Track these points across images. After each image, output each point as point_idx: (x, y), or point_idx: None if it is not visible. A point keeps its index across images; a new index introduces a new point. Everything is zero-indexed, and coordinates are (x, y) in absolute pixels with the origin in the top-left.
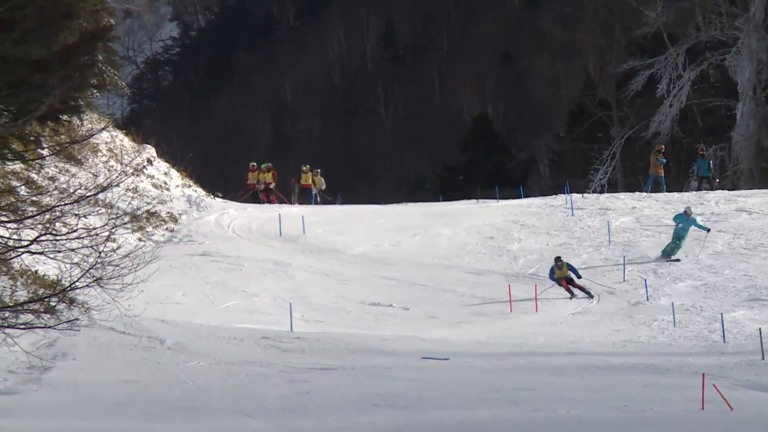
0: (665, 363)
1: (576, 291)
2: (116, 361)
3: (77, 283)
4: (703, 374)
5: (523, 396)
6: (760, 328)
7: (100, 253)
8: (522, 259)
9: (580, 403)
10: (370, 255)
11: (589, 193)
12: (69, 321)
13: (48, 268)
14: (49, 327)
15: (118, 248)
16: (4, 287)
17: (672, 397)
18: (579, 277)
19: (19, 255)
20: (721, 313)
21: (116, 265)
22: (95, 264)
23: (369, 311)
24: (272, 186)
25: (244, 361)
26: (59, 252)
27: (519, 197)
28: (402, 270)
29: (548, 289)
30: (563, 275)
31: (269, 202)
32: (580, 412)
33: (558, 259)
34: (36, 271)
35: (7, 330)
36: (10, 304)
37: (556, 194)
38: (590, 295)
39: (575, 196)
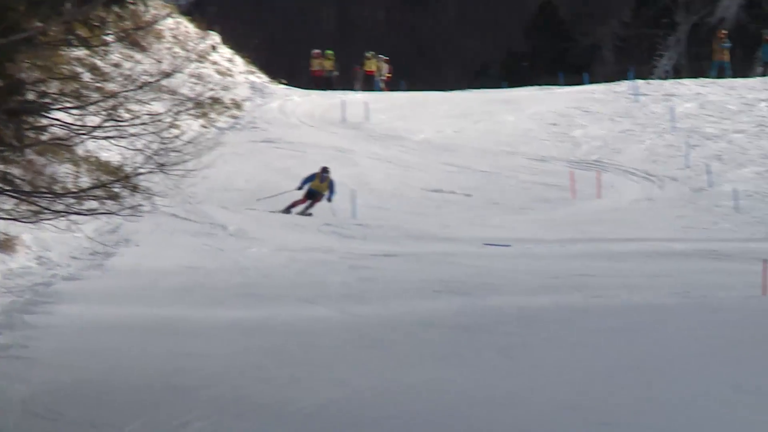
0: (727, 249)
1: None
2: (178, 248)
3: (140, 169)
4: (765, 260)
5: (584, 282)
6: None
7: (163, 139)
8: (585, 146)
9: (642, 289)
10: (433, 141)
11: (653, 79)
12: (132, 207)
13: (111, 154)
14: (112, 213)
15: (181, 135)
16: (68, 173)
17: (733, 283)
18: (330, 199)
19: (83, 141)
20: None
21: (179, 152)
22: (158, 150)
23: (431, 198)
24: (335, 74)
25: (305, 248)
26: (122, 138)
27: (583, 83)
28: (465, 156)
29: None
30: (321, 189)
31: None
32: (641, 298)
33: (325, 169)
34: (99, 158)
35: (71, 216)
36: (74, 190)
37: (620, 80)
38: (287, 212)
39: (639, 82)
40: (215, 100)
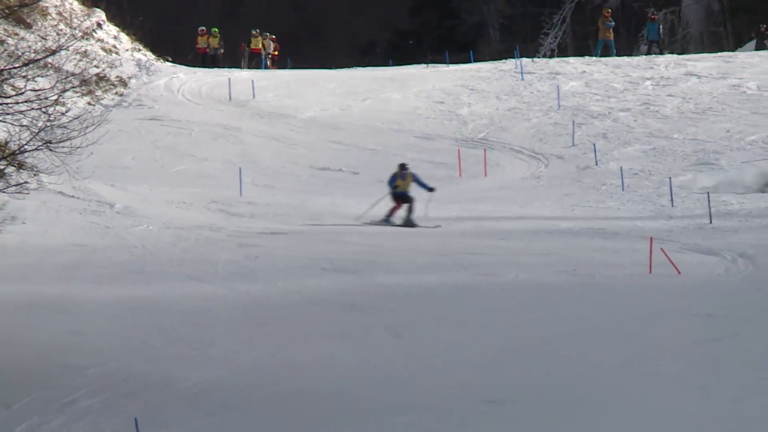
0: (613, 227)
1: (403, 216)
2: (65, 225)
3: (26, 147)
4: (651, 238)
5: (471, 260)
6: (708, 192)
7: (49, 116)
8: (471, 124)
9: (529, 268)
10: (320, 120)
11: (538, 57)
12: (18, 184)
13: None
14: None
15: (67, 112)
16: None
17: (620, 261)
18: (430, 189)
19: None
20: (670, 178)
21: (65, 129)
22: (44, 127)
23: (318, 176)
24: (221, 52)
25: (193, 226)
26: (7, 115)
27: (469, 62)
28: (352, 135)
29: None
30: (406, 188)
31: None
32: (529, 276)
33: (403, 166)
34: None
35: None
36: None
37: (506, 59)
38: (411, 224)
39: (525, 60)
40: (101, 78)
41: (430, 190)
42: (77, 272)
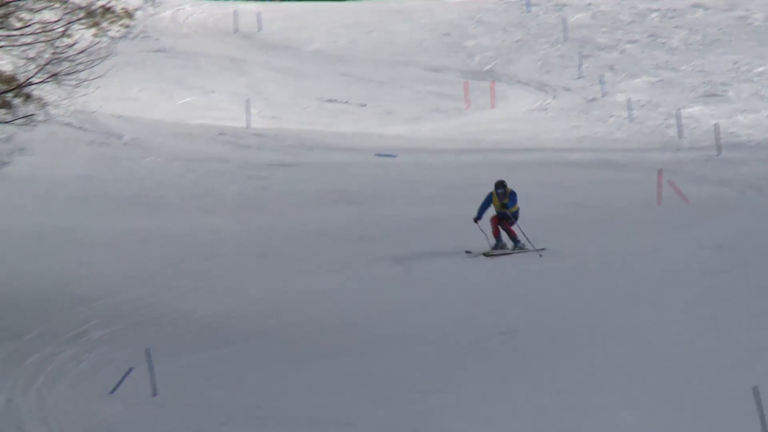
0: (622, 159)
1: (507, 240)
2: (73, 157)
3: (33, 79)
4: (660, 170)
5: (479, 192)
6: (716, 124)
7: (56, 48)
8: (478, 56)
9: (537, 200)
10: (327, 52)
11: None
12: (25, 116)
13: (3, 64)
14: (6, 122)
15: (74, 44)
16: None
17: (628, 193)
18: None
19: None
20: (678, 109)
21: (72, 61)
22: (51, 59)
23: (326, 108)
24: None
25: (201, 158)
26: (14, 47)
27: None
28: (359, 67)
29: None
30: (502, 209)
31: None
32: (537, 207)
33: (502, 184)
34: None
35: None
36: None
37: None
38: (517, 247)
39: None
40: (107, 9)
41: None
42: (86, 204)
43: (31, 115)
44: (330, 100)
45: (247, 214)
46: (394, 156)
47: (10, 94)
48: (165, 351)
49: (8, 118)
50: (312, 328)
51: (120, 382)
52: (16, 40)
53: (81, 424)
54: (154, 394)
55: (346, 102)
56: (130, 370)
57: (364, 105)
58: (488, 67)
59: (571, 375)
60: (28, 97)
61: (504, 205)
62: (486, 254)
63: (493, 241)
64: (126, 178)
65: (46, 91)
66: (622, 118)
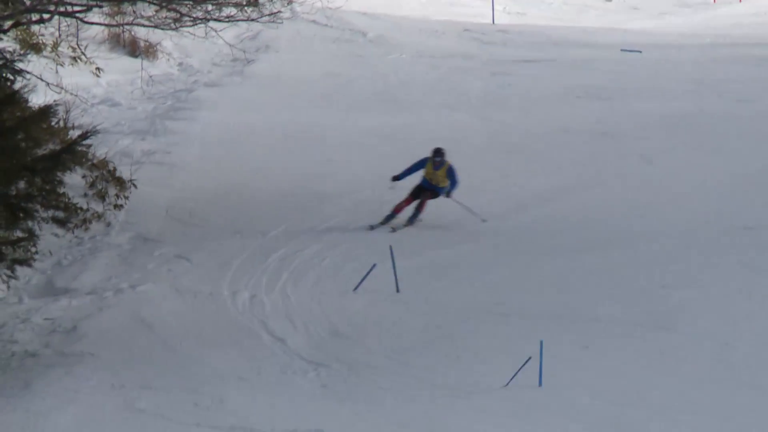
0: None
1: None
2: (318, 54)
3: None
4: None
5: (726, 87)
6: None
7: None
8: None
9: None
10: None
11: None
12: (272, 14)
13: None
14: (252, 20)
15: None
16: None
17: None
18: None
19: None
20: None
21: None
22: None
23: (570, 3)
24: None
25: (446, 54)
26: None
27: None
28: None
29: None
30: (434, 180)
31: None
32: None
33: (439, 152)
34: None
35: (211, 23)
36: None
37: None
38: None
39: None
40: None
41: (448, 194)
42: (330, 101)
43: (277, 12)
44: None
45: (491, 111)
46: (640, 52)
47: None
48: (407, 248)
49: (254, 15)
50: (551, 224)
51: (363, 279)
52: None
53: (324, 320)
54: (397, 290)
55: None
56: (374, 266)
57: (610, 0)
58: None
59: None
60: None
61: (436, 176)
62: (372, 227)
63: (389, 213)
64: (370, 75)
65: None
66: None
